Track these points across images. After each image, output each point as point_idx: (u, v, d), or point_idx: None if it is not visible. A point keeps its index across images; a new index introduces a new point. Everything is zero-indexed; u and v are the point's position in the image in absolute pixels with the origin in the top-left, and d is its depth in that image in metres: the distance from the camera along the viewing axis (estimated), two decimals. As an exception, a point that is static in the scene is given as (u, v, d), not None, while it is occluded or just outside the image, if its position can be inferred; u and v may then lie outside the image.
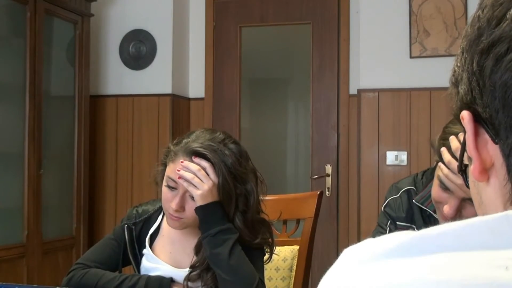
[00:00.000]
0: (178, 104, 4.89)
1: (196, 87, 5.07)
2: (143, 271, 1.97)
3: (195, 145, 1.84)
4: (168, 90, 4.81)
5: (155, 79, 4.83)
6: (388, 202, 2.04)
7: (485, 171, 0.66)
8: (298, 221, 2.45)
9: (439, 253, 0.56)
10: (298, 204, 2.44)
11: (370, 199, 4.41)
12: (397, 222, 1.97)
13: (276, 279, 2.34)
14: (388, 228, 1.99)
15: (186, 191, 1.84)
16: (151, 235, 2.01)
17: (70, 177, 4.43)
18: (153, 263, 1.97)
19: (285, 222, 2.45)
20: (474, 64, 0.64)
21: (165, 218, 1.99)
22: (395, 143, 4.41)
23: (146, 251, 1.99)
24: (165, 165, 1.93)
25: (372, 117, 4.47)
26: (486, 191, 0.68)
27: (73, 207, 4.43)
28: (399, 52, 4.44)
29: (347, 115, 4.74)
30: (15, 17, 4.06)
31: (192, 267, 1.89)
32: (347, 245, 0.66)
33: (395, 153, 4.40)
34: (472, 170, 0.67)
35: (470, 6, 4.29)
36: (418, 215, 1.93)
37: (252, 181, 1.88)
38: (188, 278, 1.88)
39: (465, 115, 0.67)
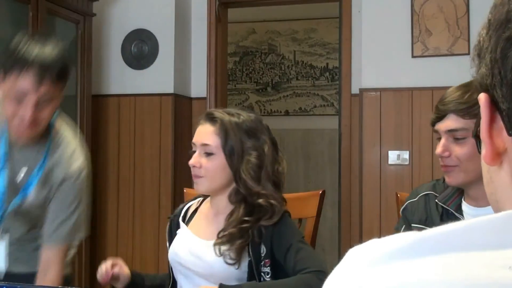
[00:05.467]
0: (180, 103, 4.89)
1: (198, 86, 5.07)
2: (173, 247, 2.09)
3: (211, 110, 2.08)
4: (170, 89, 4.81)
5: (157, 79, 4.83)
6: (406, 205, 2.06)
7: (498, 155, 0.65)
8: (300, 220, 2.45)
9: (443, 254, 0.56)
10: (300, 203, 2.44)
11: (372, 199, 4.40)
12: (413, 225, 1.97)
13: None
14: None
15: (201, 148, 2.00)
16: (189, 217, 2.14)
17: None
18: (184, 235, 2.08)
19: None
20: (498, 50, 0.62)
21: (203, 203, 2.16)
22: (397, 143, 4.41)
23: (180, 230, 2.12)
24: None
25: (374, 116, 4.46)
26: (499, 174, 0.66)
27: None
28: (401, 52, 4.43)
29: (349, 114, 4.73)
30: (17, 17, 4.06)
31: (222, 231, 1.98)
32: (349, 245, 0.66)
33: (397, 152, 4.39)
34: (484, 155, 0.66)
35: (472, 5, 4.29)
36: (436, 219, 1.93)
37: (266, 143, 2.02)
38: (216, 242, 1.96)
39: (483, 98, 0.65)
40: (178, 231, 2.12)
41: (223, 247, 1.94)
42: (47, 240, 2.03)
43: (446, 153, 1.84)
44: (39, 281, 1.97)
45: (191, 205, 2.20)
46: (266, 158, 2.01)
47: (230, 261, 1.93)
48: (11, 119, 1.87)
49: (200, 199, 2.19)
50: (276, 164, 2.05)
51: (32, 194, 2.01)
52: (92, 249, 4.61)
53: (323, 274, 1.81)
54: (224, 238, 1.95)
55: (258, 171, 1.99)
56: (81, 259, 4.31)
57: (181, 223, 2.13)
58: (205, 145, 2.00)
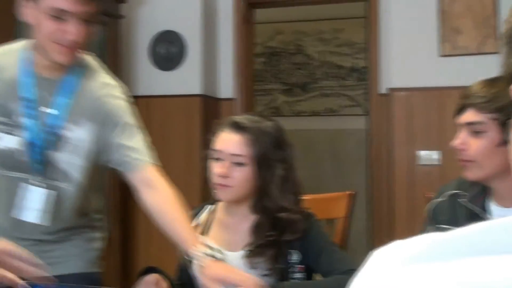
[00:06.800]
0: (208, 104, 4.90)
1: (225, 87, 5.07)
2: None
3: (237, 118, 2.01)
4: (197, 90, 4.82)
5: (184, 80, 4.84)
6: (432, 206, 2.03)
7: None
8: (330, 221, 2.44)
9: (462, 258, 0.55)
10: (330, 204, 2.44)
11: (402, 199, 4.37)
12: (440, 225, 1.94)
13: (309, 279, 2.33)
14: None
15: (229, 158, 1.95)
16: (206, 225, 2.10)
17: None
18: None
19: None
20: None
21: (217, 209, 2.10)
22: (427, 143, 4.37)
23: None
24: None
25: (403, 116, 4.43)
26: None
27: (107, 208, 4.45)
28: (429, 51, 4.40)
29: (377, 114, 4.71)
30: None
31: (249, 245, 1.95)
32: (379, 246, 0.65)
33: (428, 152, 4.36)
34: None
35: (501, 4, 4.24)
36: (463, 218, 1.89)
37: (290, 154, 2.01)
38: (248, 255, 1.93)
39: None
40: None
41: (255, 260, 1.93)
42: (133, 164, 1.93)
43: (462, 146, 1.85)
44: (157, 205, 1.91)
45: (201, 215, 2.16)
46: (292, 170, 1.99)
47: (265, 272, 1.92)
48: (51, 38, 1.79)
49: (210, 207, 2.16)
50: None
51: (80, 136, 1.93)
52: (124, 250, 4.64)
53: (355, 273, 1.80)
54: (255, 251, 1.93)
55: (284, 183, 1.97)
56: (113, 260, 4.33)
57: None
58: (235, 155, 1.95)
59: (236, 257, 1.95)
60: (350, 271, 1.82)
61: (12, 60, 1.94)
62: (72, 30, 1.76)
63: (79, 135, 1.93)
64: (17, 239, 1.97)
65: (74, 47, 1.81)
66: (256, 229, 1.97)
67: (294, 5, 5.79)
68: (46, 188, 1.94)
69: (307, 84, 7.18)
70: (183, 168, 4.76)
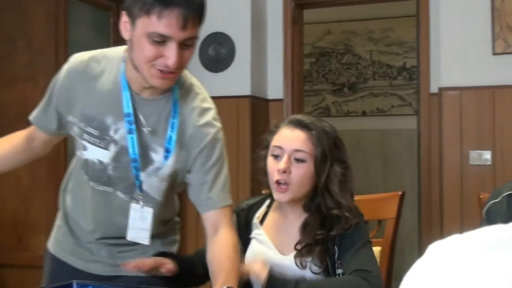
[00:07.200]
0: (257, 105, 4.93)
1: (274, 88, 5.09)
2: (249, 255, 2.03)
3: (298, 116, 2.01)
4: (247, 91, 4.85)
5: (234, 81, 4.88)
6: (489, 207, 1.99)
7: None
8: (379, 222, 2.43)
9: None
10: (379, 204, 2.43)
11: (453, 200, 4.31)
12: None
13: (358, 280, 2.33)
14: None
15: (291, 154, 1.94)
16: (261, 221, 2.08)
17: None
18: (263, 244, 2.03)
19: (366, 222, 2.44)
20: None
21: (272, 207, 2.09)
22: (478, 143, 4.31)
23: (257, 231, 2.06)
24: (267, 146, 2.04)
25: (454, 116, 4.37)
26: None
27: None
28: (481, 49, 4.33)
29: (428, 114, 4.66)
30: (99, 22, 4.20)
31: (299, 243, 1.95)
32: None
33: (479, 152, 4.29)
34: None
35: (557, -1, 4.15)
36: None
37: (347, 155, 2.01)
38: (297, 255, 1.93)
39: None
40: (255, 237, 2.07)
41: (305, 259, 1.93)
42: (205, 205, 1.89)
43: None
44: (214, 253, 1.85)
45: (259, 207, 2.15)
46: (350, 170, 2.00)
47: (316, 270, 1.93)
48: (149, 62, 1.70)
49: (269, 202, 2.14)
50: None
51: (170, 158, 1.88)
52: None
53: (369, 275, 1.82)
54: (304, 251, 1.94)
55: (343, 182, 1.97)
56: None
57: (258, 235, 2.07)
58: (298, 150, 1.95)
59: (289, 259, 1.96)
60: (364, 272, 1.83)
61: (113, 68, 1.89)
62: (172, 56, 1.68)
63: (168, 160, 1.89)
64: (98, 239, 2.01)
65: (172, 73, 1.74)
66: (305, 228, 1.97)
67: (343, 4, 5.77)
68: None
69: (356, 84, 7.14)
70: (233, 168, 4.76)
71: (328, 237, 1.94)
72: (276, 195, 1.98)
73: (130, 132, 1.85)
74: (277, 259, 1.98)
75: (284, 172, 1.93)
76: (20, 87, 4.19)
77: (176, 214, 2.21)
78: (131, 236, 1.94)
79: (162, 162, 1.88)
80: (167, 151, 1.86)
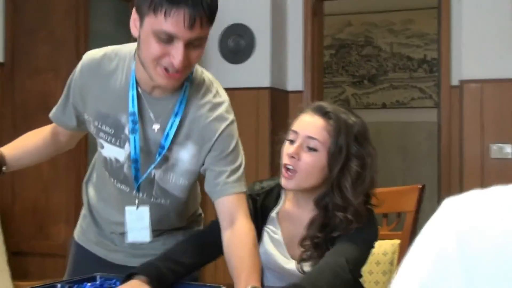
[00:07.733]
0: (277, 97, 4.93)
1: (294, 80, 5.09)
2: (261, 251, 1.95)
3: (323, 103, 1.92)
4: (266, 83, 4.85)
5: (254, 73, 4.88)
6: None
7: None
8: (399, 214, 2.42)
9: None
10: (399, 197, 2.42)
11: (472, 193, 4.29)
12: None
13: (377, 273, 2.33)
14: None
15: (304, 140, 1.86)
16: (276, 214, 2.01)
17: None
18: (276, 246, 1.97)
19: (385, 215, 2.43)
20: None
21: (286, 196, 2.00)
22: (499, 136, 4.28)
23: (273, 228, 1.99)
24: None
25: (475, 108, 4.35)
26: None
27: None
28: (503, 41, 4.29)
29: (448, 107, 4.63)
30: (119, 14, 4.22)
31: (301, 245, 1.89)
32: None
33: (500, 145, 4.26)
34: None
35: None
36: None
37: (370, 153, 1.89)
38: (300, 261, 1.88)
39: None
40: (269, 232, 2.00)
41: (306, 267, 1.88)
42: (219, 192, 1.85)
43: None
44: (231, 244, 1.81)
45: (277, 197, 2.04)
46: (368, 169, 1.88)
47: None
48: (155, 60, 1.68)
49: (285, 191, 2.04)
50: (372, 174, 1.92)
51: (180, 156, 1.87)
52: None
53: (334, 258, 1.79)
54: (305, 255, 1.88)
55: (357, 181, 1.86)
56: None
57: (273, 232, 2.00)
58: (311, 138, 1.86)
59: (292, 264, 1.91)
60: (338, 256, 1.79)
61: (125, 66, 1.88)
62: (178, 55, 1.65)
63: (182, 156, 1.88)
64: (121, 233, 2.02)
65: (178, 73, 1.71)
66: (310, 227, 1.91)
67: (364, -4, 5.75)
68: (146, 204, 1.93)
69: (376, 76, 7.11)
70: (252, 159, 4.80)
71: (327, 238, 1.87)
72: (282, 180, 1.90)
73: (133, 131, 1.84)
74: (285, 262, 1.94)
75: (293, 157, 1.86)
76: (42, 78, 4.23)
77: (199, 205, 2.21)
78: (131, 238, 1.93)
79: (180, 159, 1.87)
80: (162, 147, 1.84)
